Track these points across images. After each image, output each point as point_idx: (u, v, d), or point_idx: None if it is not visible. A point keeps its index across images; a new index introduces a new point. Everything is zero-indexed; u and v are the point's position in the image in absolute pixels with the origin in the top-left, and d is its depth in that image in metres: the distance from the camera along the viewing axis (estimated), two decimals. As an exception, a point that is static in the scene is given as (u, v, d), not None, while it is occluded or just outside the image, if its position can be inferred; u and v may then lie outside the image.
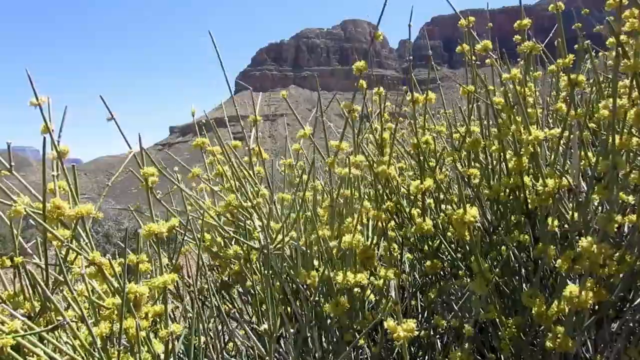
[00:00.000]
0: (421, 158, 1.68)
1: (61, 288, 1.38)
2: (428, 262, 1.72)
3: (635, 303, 1.43)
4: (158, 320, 1.25)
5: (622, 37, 1.13)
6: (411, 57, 1.77)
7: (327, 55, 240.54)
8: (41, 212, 1.26)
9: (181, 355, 1.65)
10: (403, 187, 1.93)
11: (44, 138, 1.29)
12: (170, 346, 1.20)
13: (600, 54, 2.04)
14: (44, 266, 1.32)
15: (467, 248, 1.61)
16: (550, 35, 1.72)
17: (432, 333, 1.76)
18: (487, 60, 1.61)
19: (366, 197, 1.77)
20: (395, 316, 1.04)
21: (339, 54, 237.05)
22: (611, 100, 1.12)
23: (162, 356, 1.21)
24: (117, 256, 1.62)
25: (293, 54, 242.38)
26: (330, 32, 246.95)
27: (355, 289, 1.55)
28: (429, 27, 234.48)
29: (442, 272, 1.84)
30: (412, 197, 1.75)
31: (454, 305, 1.70)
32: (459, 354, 1.34)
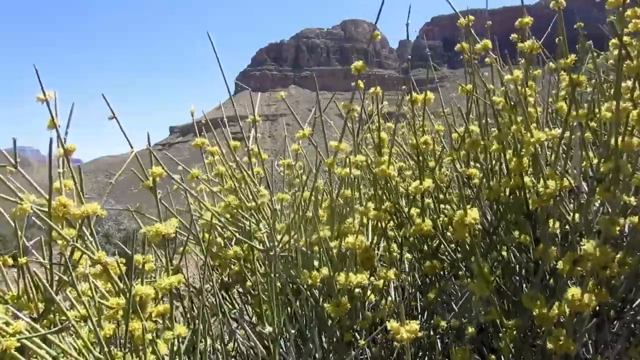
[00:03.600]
0: (420, 158, 1.68)
1: (64, 288, 1.37)
2: (427, 263, 1.71)
3: (636, 304, 1.42)
4: (161, 321, 1.24)
5: (625, 39, 1.13)
6: (409, 57, 1.76)
7: (327, 55, 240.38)
8: (46, 210, 1.25)
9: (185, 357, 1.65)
10: (402, 187, 1.93)
11: (50, 137, 1.28)
12: (174, 348, 1.20)
13: (601, 55, 2.04)
14: (48, 266, 1.31)
15: (467, 248, 1.60)
16: (550, 34, 1.71)
17: (432, 333, 1.75)
18: (487, 60, 1.60)
19: (366, 197, 1.76)
20: (397, 317, 1.04)
21: (339, 54, 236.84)
22: (614, 101, 1.12)
23: (167, 358, 1.20)
24: (117, 256, 1.62)
25: (293, 54, 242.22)
26: (330, 32, 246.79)
27: (356, 290, 1.55)
28: (429, 27, 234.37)
29: (442, 273, 1.84)
30: (411, 197, 1.75)
31: (454, 306, 1.69)
32: (459, 354, 1.34)
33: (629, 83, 1.13)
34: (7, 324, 1.01)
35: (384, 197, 1.77)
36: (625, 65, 1.10)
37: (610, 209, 1.19)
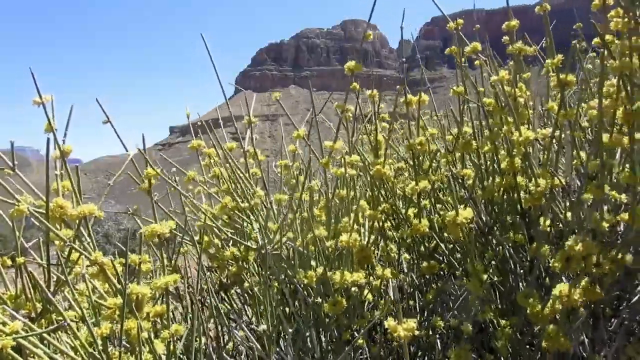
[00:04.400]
0: (415, 160, 1.69)
1: (62, 288, 1.38)
2: (425, 263, 1.72)
3: (633, 301, 1.43)
4: (159, 320, 1.25)
5: (608, 37, 1.15)
6: (404, 60, 1.78)
7: (327, 55, 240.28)
8: (44, 211, 1.26)
9: (181, 356, 1.66)
10: (398, 189, 1.93)
11: (48, 138, 1.29)
12: (171, 347, 1.21)
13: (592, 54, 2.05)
14: (46, 266, 1.32)
15: (464, 248, 1.61)
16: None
17: (430, 333, 1.77)
18: (476, 62, 1.62)
19: (362, 196, 1.77)
20: (395, 315, 1.05)
21: (339, 54, 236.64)
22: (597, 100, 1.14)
23: (164, 357, 1.21)
24: (116, 256, 1.63)
25: (293, 54, 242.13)
26: (330, 32, 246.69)
27: (353, 289, 1.56)
28: (429, 27, 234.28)
29: (440, 272, 1.85)
30: (408, 198, 1.76)
31: (452, 306, 1.70)
32: (458, 354, 1.34)
33: (614, 81, 1.14)
34: (3, 323, 1.03)
35: (381, 198, 1.78)
36: (608, 64, 1.11)
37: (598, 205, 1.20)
